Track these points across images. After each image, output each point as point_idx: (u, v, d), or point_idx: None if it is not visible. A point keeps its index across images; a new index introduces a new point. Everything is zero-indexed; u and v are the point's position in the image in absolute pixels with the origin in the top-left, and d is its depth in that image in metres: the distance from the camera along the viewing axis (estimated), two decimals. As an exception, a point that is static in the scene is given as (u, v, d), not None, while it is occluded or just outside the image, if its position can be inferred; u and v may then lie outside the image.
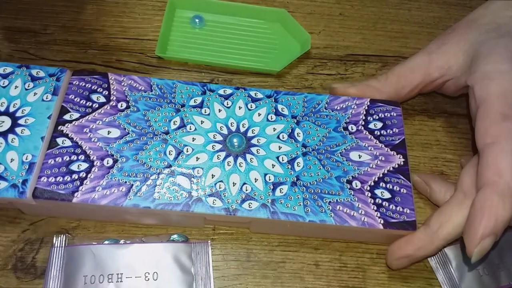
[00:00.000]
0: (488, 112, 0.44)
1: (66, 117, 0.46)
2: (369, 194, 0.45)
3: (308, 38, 0.57)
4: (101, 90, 0.48)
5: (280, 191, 0.44)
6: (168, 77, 0.55)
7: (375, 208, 0.44)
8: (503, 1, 0.50)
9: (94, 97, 0.48)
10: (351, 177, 0.46)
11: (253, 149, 0.46)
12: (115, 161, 0.45)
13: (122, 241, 0.45)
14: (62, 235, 0.44)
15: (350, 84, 0.52)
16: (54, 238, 0.44)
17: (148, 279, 0.43)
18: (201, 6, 0.59)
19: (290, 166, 0.46)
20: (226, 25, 0.60)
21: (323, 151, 0.47)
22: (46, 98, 0.47)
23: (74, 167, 0.44)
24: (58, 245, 0.44)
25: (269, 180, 0.45)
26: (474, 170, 0.44)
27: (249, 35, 0.59)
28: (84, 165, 0.44)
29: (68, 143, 0.45)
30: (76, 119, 0.46)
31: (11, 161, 0.44)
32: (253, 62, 0.57)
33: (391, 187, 0.46)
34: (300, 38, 0.58)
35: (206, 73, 0.56)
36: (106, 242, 0.45)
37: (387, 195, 0.45)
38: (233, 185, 0.44)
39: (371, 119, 0.49)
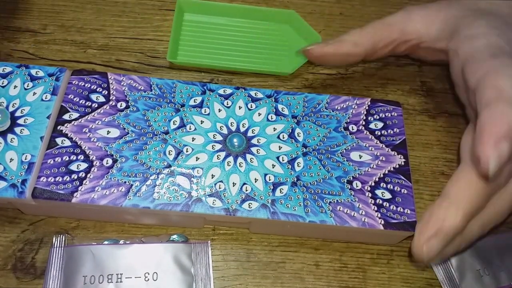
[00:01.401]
0: (476, 58, 0.43)
1: (66, 117, 0.46)
2: (370, 195, 0.45)
3: (318, 38, 0.57)
4: (100, 90, 0.48)
5: (280, 191, 0.44)
6: (168, 77, 0.55)
7: (376, 208, 0.44)
8: None
9: (93, 97, 0.48)
10: (351, 178, 0.46)
11: (253, 149, 0.46)
12: (115, 161, 0.44)
13: (121, 242, 0.45)
14: (61, 235, 0.44)
15: (324, 44, 0.51)
16: (54, 238, 0.44)
17: (148, 279, 0.43)
18: (209, 9, 0.59)
19: (290, 166, 0.46)
20: (235, 28, 0.60)
21: (324, 151, 0.47)
22: (46, 98, 0.47)
23: (73, 167, 0.44)
24: (58, 245, 0.44)
25: (269, 180, 0.45)
26: (472, 136, 0.42)
27: (258, 37, 0.59)
28: (84, 165, 0.44)
29: (67, 143, 0.45)
30: (76, 119, 0.46)
31: (10, 161, 0.43)
32: (264, 65, 0.57)
33: (391, 187, 0.45)
34: (310, 39, 0.58)
35: (206, 73, 0.56)
36: (106, 242, 0.45)
37: (387, 195, 0.45)
38: (233, 185, 0.44)
39: (372, 119, 0.49)
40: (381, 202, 0.45)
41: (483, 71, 0.41)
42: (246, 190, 0.44)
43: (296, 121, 0.48)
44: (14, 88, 0.47)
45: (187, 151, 0.46)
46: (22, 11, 0.59)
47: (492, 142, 0.36)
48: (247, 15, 0.60)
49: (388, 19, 0.51)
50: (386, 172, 0.46)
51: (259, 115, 0.48)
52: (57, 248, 0.44)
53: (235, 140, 0.46)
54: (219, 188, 0.44)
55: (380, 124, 0.49)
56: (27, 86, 0.47)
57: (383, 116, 0.49)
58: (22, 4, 0.59)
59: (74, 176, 0.43)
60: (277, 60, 0.58)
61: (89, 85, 0.48)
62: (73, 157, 0.44)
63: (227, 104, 0.49)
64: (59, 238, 0.44)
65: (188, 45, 0.58)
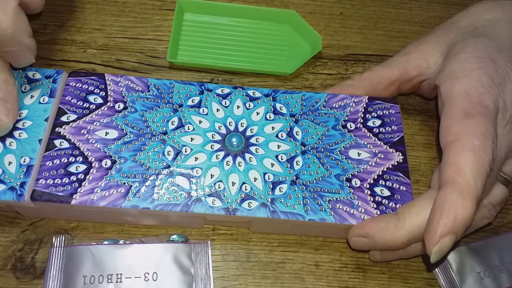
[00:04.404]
0: (451, 111, 0.42)
1: (64, 118, 0.45)
2: (369, 192, 0.44)
3: (319, 38, 0.56)
4: (98, 91, 0.46)
5: (280, 190, 0.43)
6: (168, 77, 0.53)
7: (375, 206, 0.43)
8: (484, 5, 0.49)
9: (91, 98, 0.46)
10: (350, 175, 0.44)
11: (252, 148, 0.45)
12: (113, 162, 0.43)
13: (121, 242, 0.44)
14: (61, 235, 0.43)
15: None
16: (54, 238, 0.43)
17: (148, 279, 0.41)
18: (209, 9, 0.58)
19: (289, 165, 0.44)
20: (235, 28, 0.58)
21: (322, 150, 0.45)
22: (43, 101, 0.45)
23: (72, 168, 0.42)
24: (58, 245, 0.42)
25: (269, 179, 0.43)
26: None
27: (259, 37, 0.57)
28: (82, 167, 0.42)
29: (65, 144, 0.43)
30: (74, 121, 0.45)
31: (8, 164, 0.42)
32: (265, 65, 0.56)
33: (390, 184, 0.44)
34: (310, 39, 0.57)
35: (206, 73, 0.55)
36: (106, 242, 0.43)
37: (386, 192, 0.44)
38: (233, 185, 0.43)
39: (370, 116, 0.48)
40: (380, 199, 0.43)
41: (453, 136, 0.41)
42: (246, 190, 0.43)
43: (294, 119, 0.47)
44: (12, 91, 0.45)
45: (186, 151, 0.44)
46: (22, 11, 0.57)
47: (436, 238, 0.38)
48: (247, 15, 0.58)
49: (388, 61, 0.51)
50: (385, 169, 0.45)
51: (257, 114, 0.47)
52: (57, 248, 0.42)
53: (233, 139, 0.45)
54: (219, 187, 0.43)
55: (378, 122, 0.48)
56: (25, 89, 0.46)
57: (381, 113, 0.48)
58: (22, 4, 0.57)
59: (73, 178, 0.42)
60: (277, 60, 0.56)
61: (86, 87, 0.47)
62: (72, 159, 0.43)
63: (225, 104, 0.47)
64: (59, 238, 0.43)
65: (188, 45, 0.56)
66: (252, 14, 0.58)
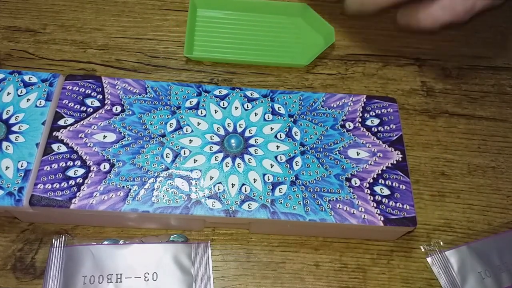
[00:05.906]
0: None
1: (61, 122, 0.43)
2: (369, 191, 0.42)
3: (331, 31, 0.55)
4: (95, 94, 0.45)
5: (280, 191, 0.41)
6: (168, 77, 0.52)
7: (375, 205, 0.42)
8: None
9: (88, 101, 0.44)
10: (350, 175, 0.43)
11: (251, 149, 0.43)
12: (112, 165, 0.41)
13: (121, 242, 0.43)
14: (61, 235, 0.42)
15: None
16: (54, 238, 0.42)
17: (148, 279, 0.40)
18: (222, 4, 0.57)
19: (288, 166, 0.43)
20: (249, 22, 0.57)
21: (321, 150, 0.44)
22: (40, 104, 0.44)
23: (70, 173, 0.41)
24: (58, 245, 0.41)
25: (268, 180, 0.42)
26: None
27: (272, 31, 0.57)
28: (81, 171, 0.41)
29: (63, 149, 0.42)
30: (71, 124, 0.43)
31: (6, 169, 0.40)
32: (278, 58, 0.55)
33: (390, 183, 0.43)
34: (323, 31, 0.56)
35: (206, 73, 0.53)
36: (106, 242, 0.42)
37: (386, 191, 0.42)
38: (232, 186, 0.41)
39: (368, 115, 0.46)
40: (380, 198, 0.42)
41: None
42: (245, 191, 0.41)
43: (293, 120, 0.45)
44: (8, 95, 0.44)
45: (184, 154, 0.43)
46: (22, 11, 0.56)
47: None
48: (260, 9, 0.57)
49: None
50: (384, 168, 0.44)
51: (255, 115, 0.45)
52: (57, 248, 0.41)
53: (232, 141, 0.43)
54: (218, 189, 0.41)
55: (376, 121, 0.46)
56: (21, 93, 0.44)
57: (379, 112, 0.47)
58: (22, 4, 0.56)
59: (72, 182, 0.40)
60: (291, 52, 0.55)
61: (83, 90, 0.45)
62: (70, 163, 0.41)
63: (223, 105, 0.46)
64: (58, 238, 0.42)
65: (203, 41, 0.55)
66: (264, 8, 0.57)
